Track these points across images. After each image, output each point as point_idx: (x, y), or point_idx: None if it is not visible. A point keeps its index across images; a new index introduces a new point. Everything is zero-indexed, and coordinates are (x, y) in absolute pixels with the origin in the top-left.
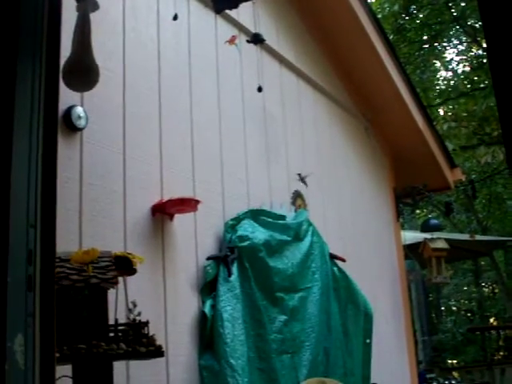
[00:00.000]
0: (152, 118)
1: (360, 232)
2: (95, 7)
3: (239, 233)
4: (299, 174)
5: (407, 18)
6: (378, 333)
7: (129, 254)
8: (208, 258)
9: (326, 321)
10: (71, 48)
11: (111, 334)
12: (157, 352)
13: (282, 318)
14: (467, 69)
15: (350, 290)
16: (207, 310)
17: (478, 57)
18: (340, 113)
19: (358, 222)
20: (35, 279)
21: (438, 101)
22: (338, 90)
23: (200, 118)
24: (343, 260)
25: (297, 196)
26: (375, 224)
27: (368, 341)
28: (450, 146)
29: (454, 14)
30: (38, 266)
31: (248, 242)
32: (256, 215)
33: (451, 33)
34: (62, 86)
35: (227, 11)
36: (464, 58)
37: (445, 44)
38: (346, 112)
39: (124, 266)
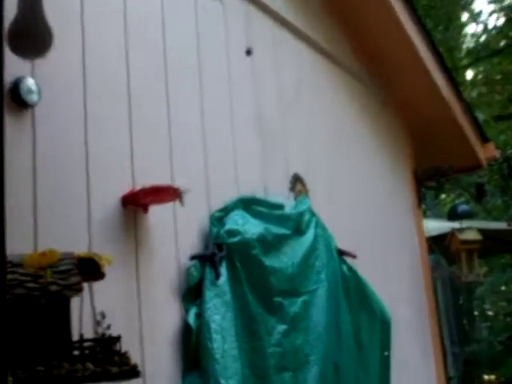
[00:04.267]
0: (119, 89)
1: (374, 222)
2: None
3: (228, 226)
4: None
5: None
6: (398, 343)
7: (95, 254)
8: (191, 258)
9: (334, 330)
10: (17, 6)
11: (76, 352)
12: (132, 372)
13: (282, 327)
14: (501, 21)
15: (362, 292)
16: (191, 320)
17: None
18: (348, 81)
19: (371, 211)
20: None
21: (465, 62)
22: (345, 53)
23: (177, 88)
24: (354, 256)
25: (296, 180)
26: (392, 213)
27: (386, 353)
28: (481, 117)
29: None
30: None
31: (238, 238)
32: (247, 204)
33: None
34: (7, 52)
35: None
36: (497, 7)
37: None
38: (355, 81)
39: (89, 269)
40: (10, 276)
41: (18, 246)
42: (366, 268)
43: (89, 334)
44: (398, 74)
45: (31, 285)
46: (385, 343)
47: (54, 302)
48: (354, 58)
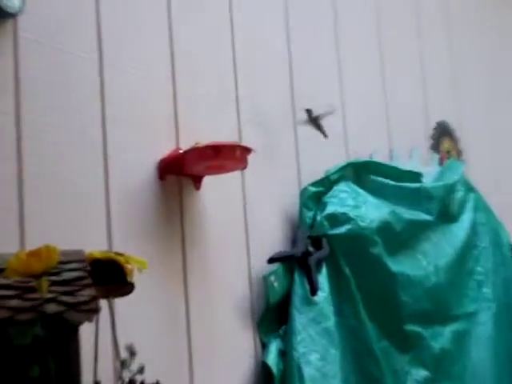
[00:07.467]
0: None
1: None
2: None
3: (330, 208)
4: (309, 111)
5: None
6: None
7: (118, 254)
8: (271, 260)
9: (509, 377)
10: None
11: None
12: None
13: (420, 373)
14: None
15: None
16: (272, 360)
17: None
18: None
19: None
20: None
21: None
22: None
23: None
24: None
25: (442, 133)
26: None
27: None
28: None
29: None
30: None
31: (348, 227)
32: (362, 173)
33: None
34: None
35: None
36: None
37: None
38: None
39: (110, 277)
40: None
41: None
42: None
43: (109, 381)
44: None
45: (16, 303)
46: None
47: (54, 331)
48: None
